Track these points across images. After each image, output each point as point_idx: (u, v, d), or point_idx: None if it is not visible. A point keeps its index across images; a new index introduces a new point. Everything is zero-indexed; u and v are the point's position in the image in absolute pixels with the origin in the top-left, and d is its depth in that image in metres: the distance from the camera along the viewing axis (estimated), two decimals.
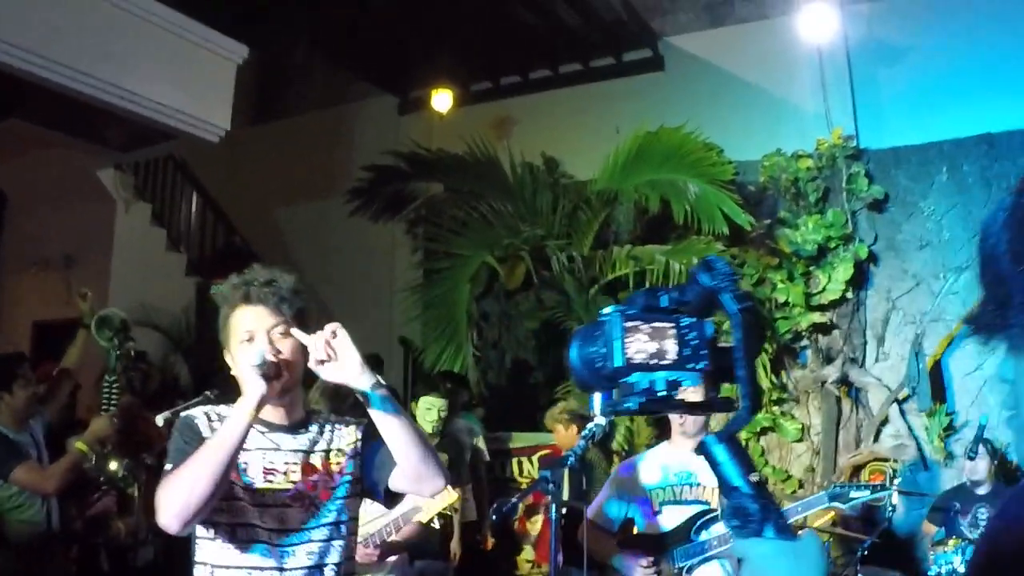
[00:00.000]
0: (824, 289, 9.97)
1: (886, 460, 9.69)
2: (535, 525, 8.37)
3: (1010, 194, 1.27)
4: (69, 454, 5.86)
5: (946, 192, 10.11)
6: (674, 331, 1.75)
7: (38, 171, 11.90)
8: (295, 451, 3.09)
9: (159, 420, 5.53)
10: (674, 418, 4.88)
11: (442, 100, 12.13)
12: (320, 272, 12.38)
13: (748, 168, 10.33)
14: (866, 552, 7.00)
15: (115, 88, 9.30)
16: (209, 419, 3.05)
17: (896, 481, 7.35)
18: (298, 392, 3.17)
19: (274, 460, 3.05)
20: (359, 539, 5.05)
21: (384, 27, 11.85)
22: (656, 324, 1.74)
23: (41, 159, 11.66)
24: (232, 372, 3.11)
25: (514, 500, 4.62)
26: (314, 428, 3.17)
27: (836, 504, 4.85)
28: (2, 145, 11.42)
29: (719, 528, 4.71)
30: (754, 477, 1.67)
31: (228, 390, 3.31)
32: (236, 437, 2.83)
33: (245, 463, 3.01)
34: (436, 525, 5.16)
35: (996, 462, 8.04)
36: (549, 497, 4.07)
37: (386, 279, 12.60)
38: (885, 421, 9.94)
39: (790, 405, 10.21)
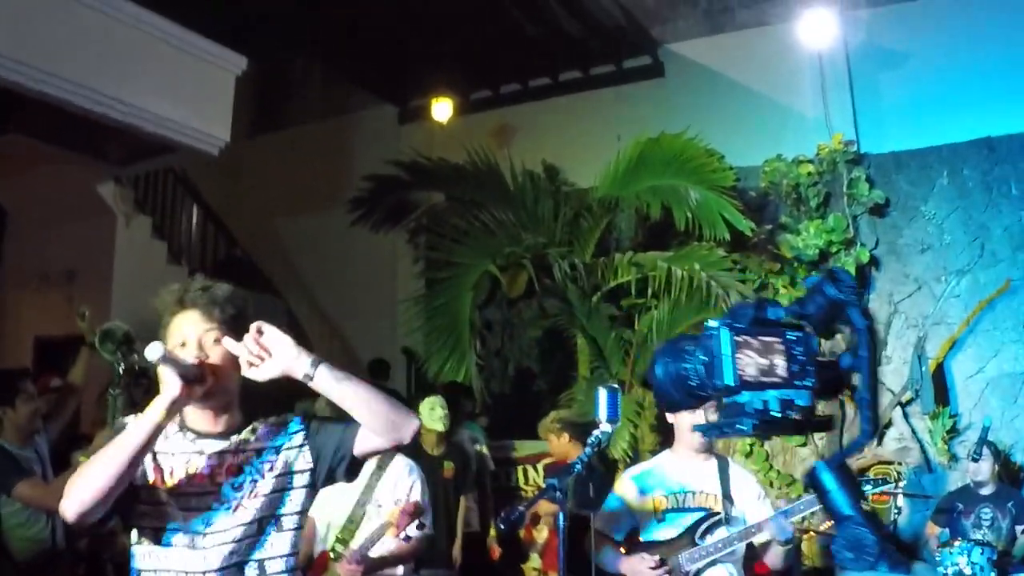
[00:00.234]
0: None
1: (890, 463, 9.67)
2: (541, 533, 8.33)
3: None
4: (72, 469, 5.84)
5: (947, 196, 10.12)
6: (782, 346, 1.67)
7: (38, 186, 11.89)
8: (221, 453, 3.04)
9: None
10: (682, 427, 4.85)
11: (442, 109, 12.15)
12: (322, 283, 12.41)
13: (749, 174, 10.32)
14: None
15: (114, 101, 9.29)
16: None
17: (901, 484, 7.37)
18: (232, 399, 3.11)
19: (199, 464, 3.02)
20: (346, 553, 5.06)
21: (383, 37, 11.86)
22: (764, 339, 1.66)
23: (41, 174, 11.65)
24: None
25: (521, 508, 4.60)
26: (247, 432, 3.11)
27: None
28: (2, 160, 11.42)
29: (722, 532, 4.71)
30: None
31: None
32: (139, 437, 2.81)
33: (171, 468, 3.01)
34: (412, 534, 5.10)
35: (999, 463, 8.04)
36: (556, 505, 4.06)
37: (388, 289, 12.59)
38: (888, 424, 9.93)
39: None
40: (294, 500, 3.09)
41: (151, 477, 3.00)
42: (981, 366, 9.65)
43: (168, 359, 2.81)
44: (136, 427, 2.83)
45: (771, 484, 9.71)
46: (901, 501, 7.65)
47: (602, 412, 4.41)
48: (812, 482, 1.61)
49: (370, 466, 5.22)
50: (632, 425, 9.65)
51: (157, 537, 2.97)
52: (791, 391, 1.65)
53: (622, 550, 4.84)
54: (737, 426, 1.68)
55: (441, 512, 7.66)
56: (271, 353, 2.86)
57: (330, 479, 3.16)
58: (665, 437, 9.35)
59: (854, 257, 10.03)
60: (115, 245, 11.92)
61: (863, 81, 10.68)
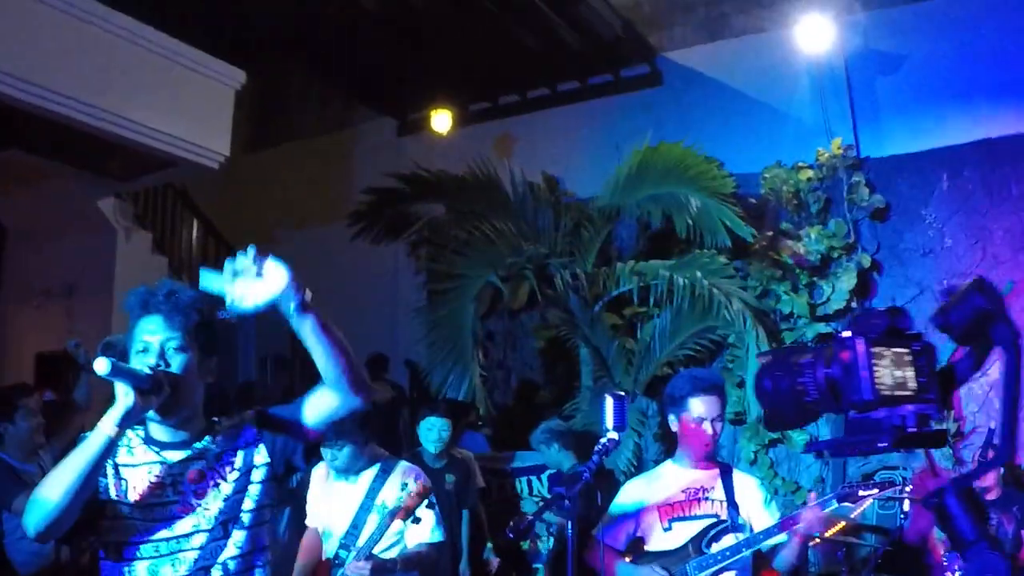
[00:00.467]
0: (828, 299, 9.95)
1: (896, 468, 9.66)
2: (546, 543, 8.32)
3: None
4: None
5: (947, 199, 10.10)
6: (910, 357, 1.61)
7: (38, 202, 11.87)
8: (182, 461, 2.99)
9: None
10: (687, 436, 4.83)
11: (441, 120, 12.15)
12: (323, 296, 12.31)
13: (749, 180, 10.31)
14: (879, 561, 6.96)
15: (114, 117, 9.31)
16: None
17: (907, 489, 7.34)
18: (194, 409, 3.06)
19: (160, 474, 2.97)
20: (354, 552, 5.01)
21: (382, 49, 11.86)
22: (896, 350, 1.60)
23: (40, 189, 11.63)
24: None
25: (530, 518, 4.58)
26: (208, 438, 3.05)
27: (846, 504, 4.80)
28: (1, 176, 11.41)
29: (729, 539, 4.68)
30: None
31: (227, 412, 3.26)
32: (91, 453, 2.78)
33: (133, 481, 2.98)
34: (421, 515, 5.05)
35: (1004, 468, 8.00)
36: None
37: (389, 302, 12.58)
38: None
39: None
40: (255, 496, 3.05)
41: (112, 492, 2.97)
42: (985, 369, 9.61)
43: (119, 372, 2.76)
44: (88, 442, 2.80)
45: (776, 491, 9.68)
46: (907, 506, 7.61)
47: (609, 420, 4.40)
48: (937, 506, 1.54)
49: (373, 471, 5.20)
50: (636, 434, 9.64)
51: (121, 551, 2.95)
52: (923, 405, 1.58)
53: (627, 559, 4.82)
54: (878, 444, 1.62)
55: (443, 526, 7.62)
56: (264, 277, 2.75)
57: (289, 469, 3.14)
58: (669, 446, 9.37)
59: (856, 262, 10.02)
60: (116, 260, 11.89)
61: (861, 85, 10.66)
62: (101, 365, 2.69)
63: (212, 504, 2.97)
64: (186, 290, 3.05)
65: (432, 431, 7.77)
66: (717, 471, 4.86)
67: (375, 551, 4.91)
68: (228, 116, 10.41)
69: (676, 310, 9.87)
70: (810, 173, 10.25)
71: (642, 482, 5.03)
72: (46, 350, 11.93)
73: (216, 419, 3.14)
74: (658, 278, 9.71)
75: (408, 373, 12.04)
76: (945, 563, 7.08)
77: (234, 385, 11.56)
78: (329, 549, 5.19)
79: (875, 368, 1.55)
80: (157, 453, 3.00)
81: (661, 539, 4.76)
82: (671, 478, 4.89)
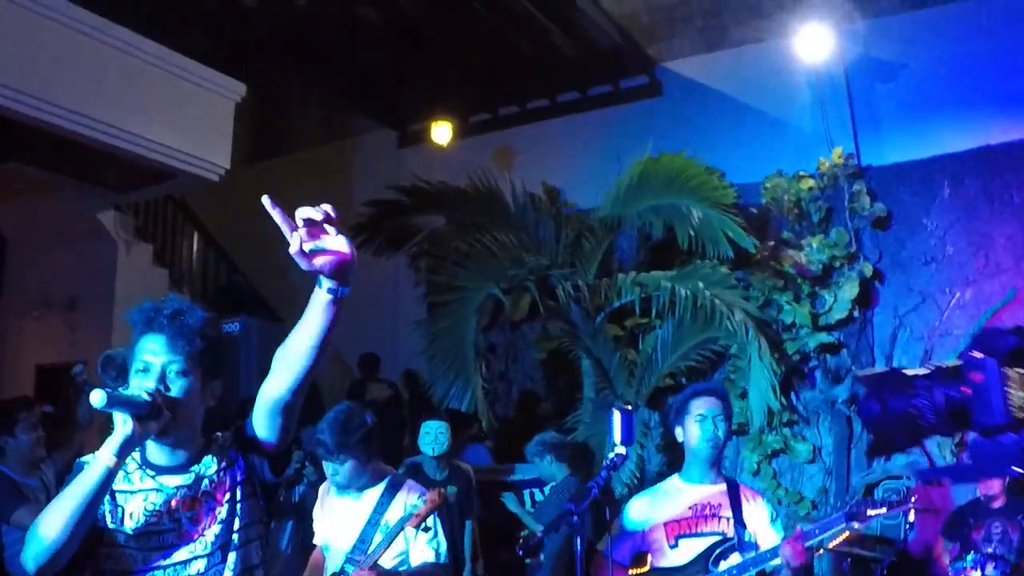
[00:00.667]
0: (831, 309, 9.94)
1: (899, 478, 9.63)
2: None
3: None
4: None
5: (948, 207, 10.10)
6: None
7: (38, 214, 11.88)
8: (179, 487, 2.90)
9: None
10: (692, 440, 4.80)
11: (441, 132, 12.14)
12: None
13: (749, 190, 10.31)
14: (884, 572, 6.94)
15: (114, 129, 9.31)
16: None
17: (912, 499, 7.31)
18: (193, 432, 2.96)
19: (156, 501, 2.88)
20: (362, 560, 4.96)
21: (381, 61, 11.87)
22: (1020, 370, 1.55)
23: (41, 202, 11.64)
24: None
25: (539, 534, 4.55)
26: (204, 461, 2.95)
27: (855, 524, 4.76)
28: (2, 188, 11.41)
29: (736, 558, 4.63)
30: None
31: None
32: (91, 483, 2.69)
33: (130, 508, 2.89)
34: (436, 528, 5.02)
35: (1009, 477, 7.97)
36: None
37: (390, 314, 12.56)
38: None
39: (801, 426, 10.15)
40: (240, 516, 2.97)
41: (109, 519, 2.89)
42: None
43: (116, 403, 2.66)
44: (87, 473, 2.72)
45: (779, 502, 9.66)
46: (912, 516, 7.59)
47: (617, 434, 4.36)
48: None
49: (380, 487, 5.16)
50: (639, 446, 9.62)
51: None
52: None
53: (632, 572, 4.78)
54: (1013, 467, 1.52)
55: (446, 537, 7.58)
56: (332, 240, 2.56)
57: (264, 486, 3.04)
58: (672, 458, 9.35)
59: (858, 271, 10.01)
60: (116, 272, 11.88)
61: (861, 94, 10.67)
62: (97, 398, 2.59)
63: (208, 530, 2.91)
64: (193, 311, 2.93)
65: (429, 434, 7.72)
66: (724, 487, 4.81)
67: (380, 561, 4.88)
68: (228, 128, 10.41)
69: (678, 321, 9.86)
70: (811, 182, 10.24)
71: (648, 497, 4.98)
72: (47, 362, 11.92)
73: (216, 436, 3.04)
74: (660, 289, 9.70)
75: (408, 384, 12.02)
76: (951, 574, 7.06)
77: (236, 400, 11.56)
78: (333, 564, 5.15)
79: (1006, 389, 1.46)
80: (153, 479, 2.92)
81: (667, 556, 4.71)
82: (678, 494, 4.85)
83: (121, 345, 6.25)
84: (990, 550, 7.38)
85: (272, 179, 13.52)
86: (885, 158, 10.40)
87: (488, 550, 8.70)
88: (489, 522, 8.71)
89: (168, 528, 2.88)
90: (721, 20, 11.25)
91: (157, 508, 2.89)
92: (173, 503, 2.90)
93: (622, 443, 4.36)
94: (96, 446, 6.55)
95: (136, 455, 2.93)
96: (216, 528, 2.92)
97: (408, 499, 5.04)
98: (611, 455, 4.36)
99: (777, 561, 4.59)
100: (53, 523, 2.68)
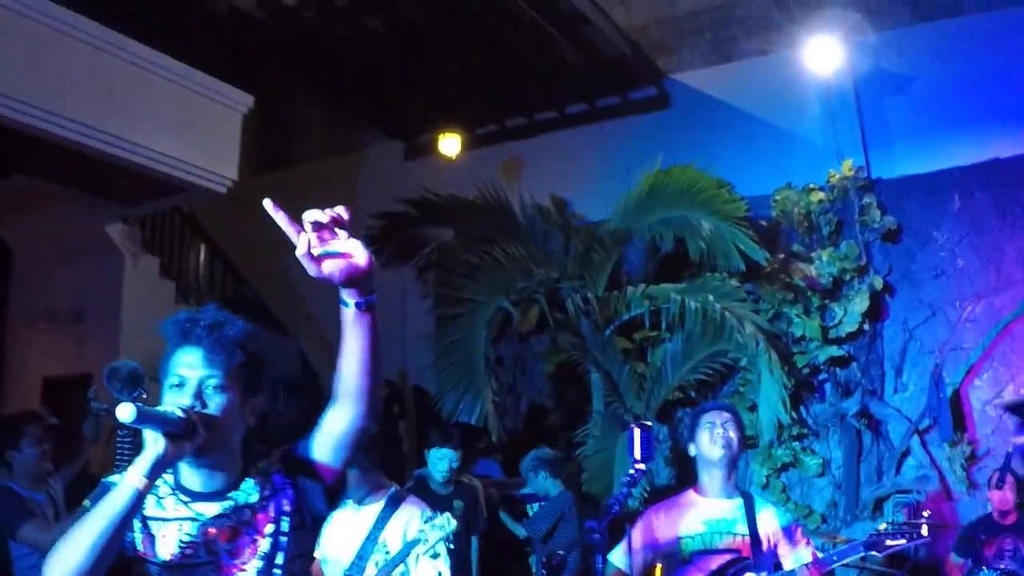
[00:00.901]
0: (841, 322, 9.90)
1: (909, 492, 9.59)
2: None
3: None
4: (77, 512, 5.78)
5: (959, 219, 10.08)
6: None
7: (45, 226, 11.86)
8: (216, 517, 2.66)
9: None
10: (707, 466, 4.76)
11: (449, 144, 12.10)
12: (331, 321, 12.30)
13: (759, 203, 10.26)
14: None
15: (121, 141, 9.29)
16: None
17: (925, 514, 7.26)
18: (231, 453, 2.72)
19: (192, 532, 2.64)
20: None
21: (387, 73, 11.86)
22: None
23: (47, 214, 11.62)
24: None
25: (561, 552, 4.52)
26: (244, 487, 2.72)
27: (873, 553, 4.73)
28: (8, 201, 11.39)
29: None
30: None
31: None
32: (118, 507, 2.45)
33: (163, 536, 2.65)
34: (443, 555, 4.99)
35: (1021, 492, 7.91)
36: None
37: (397, 327, 12.52)
38: (907, 453, 9.83)
39: (810, 440, 10.11)
40: (286, 548, 2.74)
41: (141, 548, 2.67)
42: (999, 391, 9.56)
43: (146, 418, 2.43)
44: (116, 495, 2.49)
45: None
46: (925, 531, 7.53)
47: (636, 451, 4.33)
48: None
49: (380, 503, 5.13)
50: None
51: None
52: None
53: None
54: None
55: (453, 553, 7.54)
56: (345, 245, 2.39)
57: (314, 516, 2.81)
58: (680, 472, 9.32)
59: (868, 284, 9.97)
60: (123, 285, 11.85)
61: (871, 106, 10.64)
62: (126, 412, 2.36)
63: (248, 564, 2.68)
64: (233, 322, 2.71)
65: (443, 461, 7.64)
66: (739, 501, 4.77)
67: None
68: (236, 140, 10.38)
69: (687, 334, 9.85)
70: (821, 195, 10.22)
71: (663, 512, 4.93)
72: (53, 375, 11.90)
73: (256, 458, 2.82)
74: (669, 302, 9.67)
75: (416, 399, 12.01)
76: None
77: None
78: None
79: None
80: (188, 507, 2.68)
81: (680, 573, 4.68)
82: (693, 508, 4.81)
83: (128, 357, 6.23)
84: (1002, 566, 7.34)
85: (279, 191, 13.40)
86: (895, 171, 10.37)
87: (497, 564, 8.68)
88: (498, 536, 8.69)
89: (204, 561, 2.65)
90: (730, 32, 11.23)
91: (192, 539, 2.65)
92: (210, 533, 2.66)
93: (641, 459, 4.32)
94: (103, 461, 6.52)
95: (169, 478, 2.72)
96: (257, 563, 2.69)
97: (410, 517, 5.01)
98: (631, 471, 4.33)
99: None
100: (77, 548, 2.44)
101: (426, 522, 4.94)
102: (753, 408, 9.66)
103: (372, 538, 5.06)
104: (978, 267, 9.88)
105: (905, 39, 10.44)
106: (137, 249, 12.00)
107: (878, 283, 10.03)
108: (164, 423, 2.47)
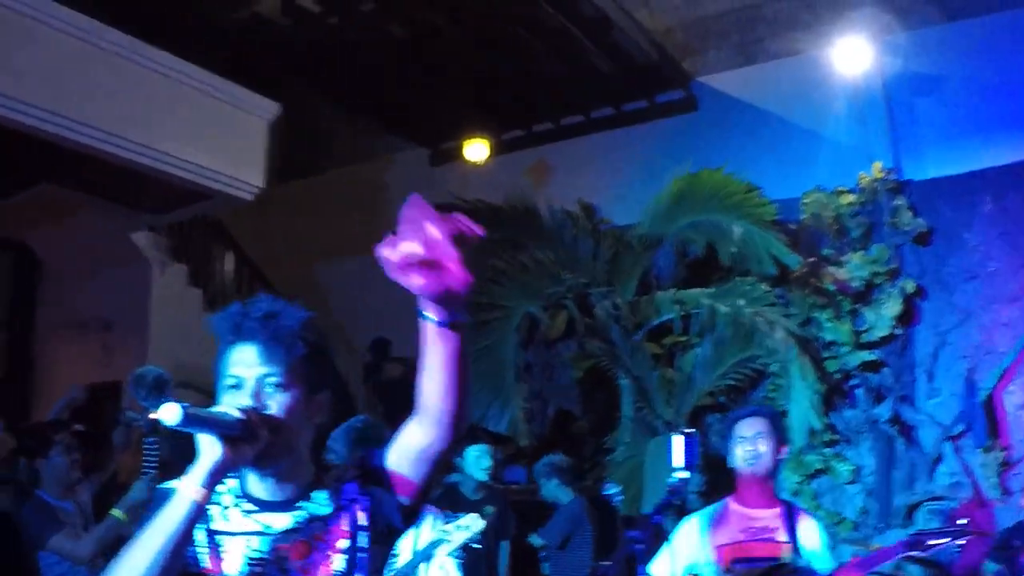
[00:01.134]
0: (872, 326, 9.82)
1: (941, 499, 9.50)
2: None
3: None
4: (105, 521, 5.78)
5: (990, 222, 9.97)
6: None
7: (72, 235, 11.92)
8: (287, 532, 2.38)
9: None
10: (744, 459, 4.70)
11: (475, 150, 12.09)
12: (359, 327, 12.32)
13: (788, 206, 10.20)
14: None
15: (148, 150, 9.31)
16: None
17: (963, 521, 7.18)
18: (298, 458, 2.42)
19: (261, 547, 2.37)
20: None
21: (412, 79, 11.83)
22: None
23: (75, 223, 11.68)
24: None
25: (607, 563, 4.46)
26: (315, 497, 2.44)
27: (914, 553, 4.66)
28: (35, 210, 11.45)
29: None
30: None
31: None
32: (175, 522, 2.17)
33: (228, 551, 2.38)
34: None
35: None
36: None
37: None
38: (939, 459, 9.73)
39: (842, 446, 10.03)
40: (364, 566, 2.44)
41: (208, 562, 2.39)
42: None
43: (196, 421, 2.15)
44: (172, 508, 2.20)
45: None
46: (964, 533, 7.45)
47: (678, 458, 4.28)
48: None
49: None
50: None
51: None
52: None
53: None
54: None
55: (483, 559, 7.51)
56: (443, 262, 2.04)
57: (390, 531, 2.49)
58: (712, 478, 9.25)
59: (899, 288, 9.88)
60: (151, 293, 11.89)
61: (901, 107, 10.54)
62: (171, 413, 2.08)
63: None
64: (290, 311, 2.40)
65: (484, 458, 7.61)
66: (780, 510, 4.71)
67: None
68: (262, 148, 10.39)
69: (718, 339, 9.78)
70: (851, 197, 10.14)
71: (701, 520, 4.87)
72: (82, 383, 11.94)
73: (328, 465, 2.56)
74: (699, 307, 9.63)
75: None
76: None
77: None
78: None
79: None
80: (255, 518, 2.40)
81: None
82: (732, 517, 4.74)
83: (157, 365, 6.23)
84: None
85: (305, 198, 13.56)
86: (925, 172, 10.27)
87: (526, 569, 8.66)
88: (526, 542, 8.69)
89: None
90: (757, 33, 11.14)
91: (261, 555, 2.38)
92: (280, 550, 2.39)
93: (684, 468, 4.27)
94: (132, 468, 6.49)
95: (234, 484, 2.45)
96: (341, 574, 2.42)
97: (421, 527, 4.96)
98: (673, 479, 4.28)
99: None
100: (135, 568, 2.18)
101: (448, 522, 4.88)
102: (784, 414, 9.57)
103: None
104: (1011, 270, 9.77)
105: (934, 39, 10.34)
106: (164, 257, 12.03)
107: (910, 287, 9.94)
108: (220, 425, 2.20)
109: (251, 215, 11.91)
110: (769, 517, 4.68)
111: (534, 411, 11.36)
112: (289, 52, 11.24)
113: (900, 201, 10.09)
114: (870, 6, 10.00)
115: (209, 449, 2.18)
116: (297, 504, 2.41)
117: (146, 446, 5.87)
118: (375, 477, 2.45)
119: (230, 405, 2.26)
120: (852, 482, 9.91)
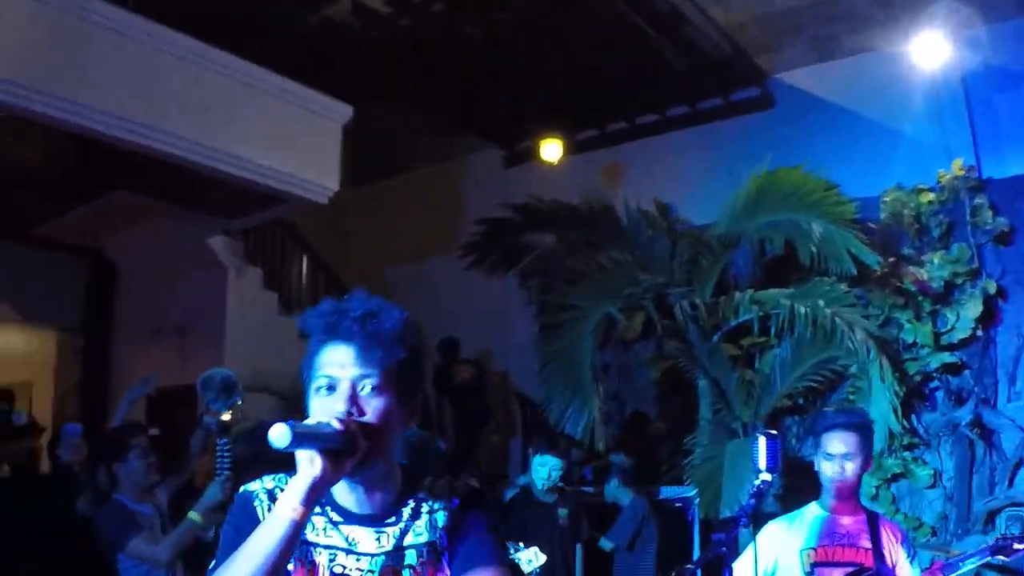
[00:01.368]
0: (953, 327, 9.64)
1: (1022, 505, 9.31)
2: None
3: None
4: (182, 524, 5.79)
5: None
6: None
7: (148, 241, 12.03)
8: (375, 554, 2.22)
9: None
10: (829, 476, 4.61)
11: (550, 150, 12.07)
12: (434, 330, 12.33)
13: (867, 204, 10.07)
14: None
15: (222, 155, 9.36)
16: (272, 497, 2.24)
17: None
18: (389, 466, 2.27)
19: (346, 564, 2.22)
20: None
21: (487, 80, 11.82)
22: None
23: (150, 229, 11.78)
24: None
25: (690, 566, 4.40)
26: (406, 513, 2.29)
27: (1000, 558, 4.55)
28: (111, 217, 11.55)
29: None
30: None
31: None
32: (274, 542, 2.02)
33: (316, 566, 2.22)
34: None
35: None
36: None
37: (499, 335, 12.49)
38: (1020, 464, 9.54)
39: (921, 450, 9.87)
40: None
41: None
42: None
43: (303, 439, 2.02)
44: (269, 530, 2.05)
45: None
46: None
47: (762, 461, 4.22)
48: None
49: None
50: None
51: None
52: None
53: None
54: None
55: (559, 562, 7.48)
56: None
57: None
58: (791, 482, 9.13)
59: (980, 288, 9.70)
60: (226, 297, 11.97)
61: (981, 103, 10.37)
62: (280, 435, 1.97)
63: None
64: (389, 312, 2.24)
65: (543, 468, 7.62)
66: (863, 518, 4.63)
67: None
68: (336, 151, 10.43)
69: (797, 340, 9.67)
70: (931, 196, 9.99)
71: (785, 523, 4.80)
72: (159, 387, 12.03)
73: (419, 476, 2.40)
74: (778, 307, 9.51)
75: (519, 407, 11.95)
76: None
77: None
78: None
79: None
80: (342, 534, 2.25)
81: None
82: (815, 522, 4.68)
83: (229, 368, 6.23)
84: None
85: (380, 201, 13.60)
86: (1007, 170, 10.08)
87: (599, 570, 8.66)
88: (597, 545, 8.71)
89: None
90: (833, 29, 10.98)
91: (346, 573, 2.23)
92: (367, 574, 2.23)
93: (768, 470, 4.21)
94: (208, 470, 6.49)
95: None
96: None
97: None
98: (757, 482, 4.22)
99: None
100: None
101: (512, 553, 4.83)
102: None
103: None
104: None
105: (1013, 32, 10.14)
106: (239, 261, 12.10)
107: (991, 287, 9.75)
108: (321, 439, 2.07)
109: (325, 217, 11.96)
110: (852, 523, 4.60)
111: (611, 412, 11.30)
112: (361, 55, 11.26)
113: (981, 199, 9.91)
114: (947, 0, 9.83)
115: (307, 465, 2.06)
116: (387, 520, 2.27)
117: (219, 447, 5.88)
118: (475, 501, 2.35)
119: (326, 413, 2.14)
120: (931, 486, 9.75)
